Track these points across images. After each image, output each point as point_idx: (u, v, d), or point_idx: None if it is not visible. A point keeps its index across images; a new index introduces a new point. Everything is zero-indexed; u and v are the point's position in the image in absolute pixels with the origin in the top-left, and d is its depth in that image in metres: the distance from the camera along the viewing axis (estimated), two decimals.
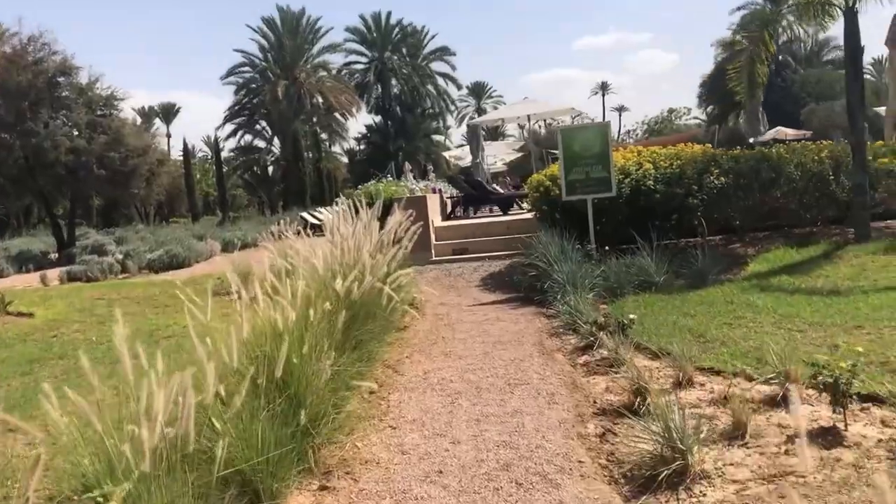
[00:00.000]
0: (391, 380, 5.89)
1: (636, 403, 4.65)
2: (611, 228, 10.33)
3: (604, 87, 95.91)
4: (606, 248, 10.30)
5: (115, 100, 24.35)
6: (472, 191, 15.88)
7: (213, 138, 46.23)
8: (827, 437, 3.98)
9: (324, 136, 48.00)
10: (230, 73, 45.13)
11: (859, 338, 5.78)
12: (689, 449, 3.69)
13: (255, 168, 45.17)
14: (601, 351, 6.24)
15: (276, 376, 3.61)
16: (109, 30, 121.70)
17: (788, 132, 50.43)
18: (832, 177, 10.71)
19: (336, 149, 53.35)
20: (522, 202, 17.69)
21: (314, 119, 45.40)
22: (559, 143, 10.01)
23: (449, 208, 16.91)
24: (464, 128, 77.49)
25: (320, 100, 45.53)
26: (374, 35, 51.44)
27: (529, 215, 14.12)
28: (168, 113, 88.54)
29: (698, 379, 5.18)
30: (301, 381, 3.99)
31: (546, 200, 10.78)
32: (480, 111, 77.00)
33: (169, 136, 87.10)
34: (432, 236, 12.81)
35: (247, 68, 45.47)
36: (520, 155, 42.17)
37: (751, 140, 52.89)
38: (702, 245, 10.70)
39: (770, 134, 50.91)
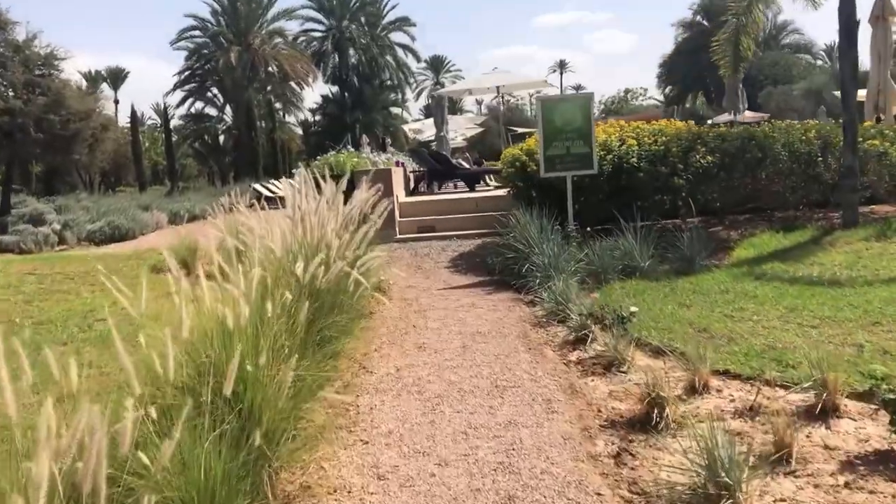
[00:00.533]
0: (359, 379, 5.12)
1: (652, 415, 3.98)
2: (589, 207, 9.67)
3: (562, 66, 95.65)
4: (586, 228, 9.65)
5: (56, 59, 22.75)
6: (438, 165, 15.09)
7: (162, 105, 44.38)
8: (888, 464, 3.35)
9: (278, 105, 46.48)
10: (180, 37, 43.21)
11: (879, 336, 5.22)
12: (737, 483, 3.01)
13: (205, 137, 43.49)
14: (595, 346, 5.57)
15: (226, 392, 2.81)
16: None
17: (746, 114, 50.83)
18: (820, 158, 10.20)
19: (291, 119, 51.87)
20: (489, 178, 16.99)
21: (268, 88, 43.85)
22: (538, 115, 9.28)
23: (412, 183, 16.09)
24: (422, 101, 76.42)
25: (275, 68, 43.94)
26: (333, 2, 49.80)
27: (499, 192, 13.40)
28: (116, 78, 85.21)
29: (713, 383, 4.52)
30: (256, 394, 3.20)
31: (522, 176, 10.06)
32: (439, 85, 75.88)
33: (117, 102, 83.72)
34: (397, 213, 12.01)
35: (198, 33, 43.63)
36: (479, 131, 41.46)
37: (709, 122, 53.29)
38: (686, 227, 10.14)
39: (726, 116, 51.26)
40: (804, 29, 61.34)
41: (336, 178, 7.81)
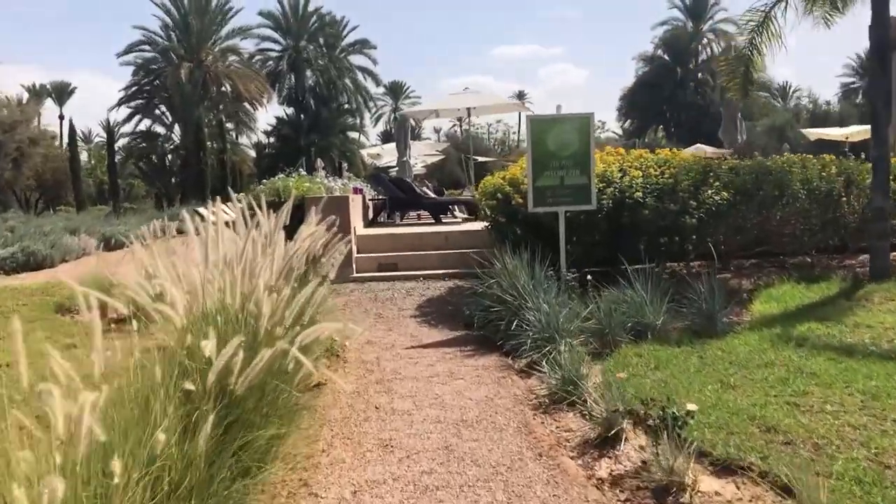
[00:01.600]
0: None
1: None
2: (584, 249, 8.18)
3: (520, 97, 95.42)
4: (576, 273, 8.15)
5: None
6: (401, 193, 13.51)
7: (107, 122, 42.08)
8: None
9: (230, 125, 44.51)
10: (128, 50, 41.05)
11: None
12: None
13: (152, 156, 41.25)
14: (628, 451, 4.02)
15: None
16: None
17: (707, 150, 50.37)
18: (844, 198, 8.91)
19: (245, 141, 49.90)
20: (456, 210, 15.47)
21: (220, 107, 41.90)
22: (527, 137, 7.77)
23: (371, 213, 14.47)
24: (381, 127, 75.01)
25: (228, 87, 42.09)
26: (290, 21, 48.21)
27: (470, 226, 11.86)
28: (62, 93, 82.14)
29: None
30: None
31: (504, 210, 8.54)
32: (397, 111, 74.63)
33: (62, 117, 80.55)
34: (354, 248, 10.37)
35: (147, 47, 41.56)
36: (439, 158, 40.08)
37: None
38: (691, 273, 8.76)
39: (689, 151, 50.83)
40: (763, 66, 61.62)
41: (279, 206, 6.22)
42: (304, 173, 11.75)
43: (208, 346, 2.98)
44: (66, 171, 39.77)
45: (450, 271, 10.02)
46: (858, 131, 31.86)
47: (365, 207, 13.64)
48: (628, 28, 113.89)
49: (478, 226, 11.03)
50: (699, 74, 58.95)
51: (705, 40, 59.96)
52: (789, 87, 69.43)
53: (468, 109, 14.78)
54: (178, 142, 40.68)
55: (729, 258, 9.62)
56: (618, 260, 8.79)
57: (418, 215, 15.60)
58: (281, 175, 11.24)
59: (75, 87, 79.59)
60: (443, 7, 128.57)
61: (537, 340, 6.02)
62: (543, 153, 7.72)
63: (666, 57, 59.39)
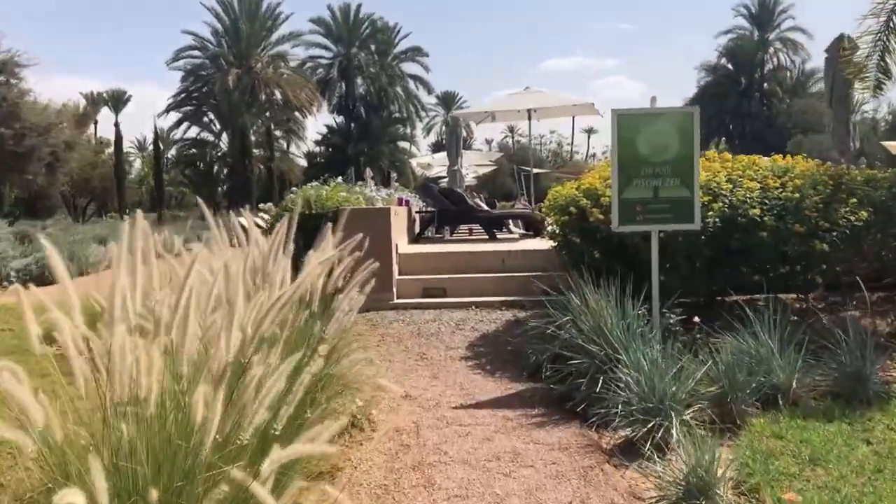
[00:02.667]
0: None
1: None
2: (679, 279, 6.47)
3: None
4: (667, 310, 6.45)
5: (17, 66, 19.88)
6: (451, 205, 11.96)
7: (154, 128, 41.60)
8: None
9: (278, 133, 43.68)
10: (177, 56, 40.57)
11: None
12: None
13: (199, 164, 40.62)
14: None
15: None
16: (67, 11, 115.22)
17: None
18: None
19: (296, 151, 49.10)
20: (510, 224, 13.85)
21: (268, 114, 41.07)
22: (612, 135, 6.10)
23: (418, 227, 12.95)
24: (432, 137, 73.74)
25: (277, 94, 41.27)
26: (341, 28, 47.33)
27: (532, 245, 10.23)
28: (118, 101, 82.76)
29: None
30: None
31: (580, 228, 6.89)
32: (450, 116, 73.37)
33: (118, 124, 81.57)
34: (395, 268, 8.82)
35: (196, 52, 41.00)
36: (491, 169, 38.53)
37: None
38: (812, 310, 7.04)
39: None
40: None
41: (310, 219, 4.76)
42: (342, 182, 10.27)
43: None
44: (112, 177, 39.41)
45: (508, 299, 8.41)
46: None
47: (411, 221, 12.12)
48: (686, 40, 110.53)
49: (541, 245, 9.40)
50: (765, 84, 56.34)
51: (772, 50, 57.38)
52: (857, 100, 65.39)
53: (529, 112, 13.14)
54: (226, 149, 39.90)
55: (851, 290, 7.80)
56: (716, 293, 7.13)
57: (469, 230, 14.03)
58: (315, 183, 9.76)
59: (131, 96, 79.87)
60: (493, 18, 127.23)
61: (635, 411, 4.37)
62: (633, 157, 6.05)
63: (730, 66, 56.95)
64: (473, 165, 29.36)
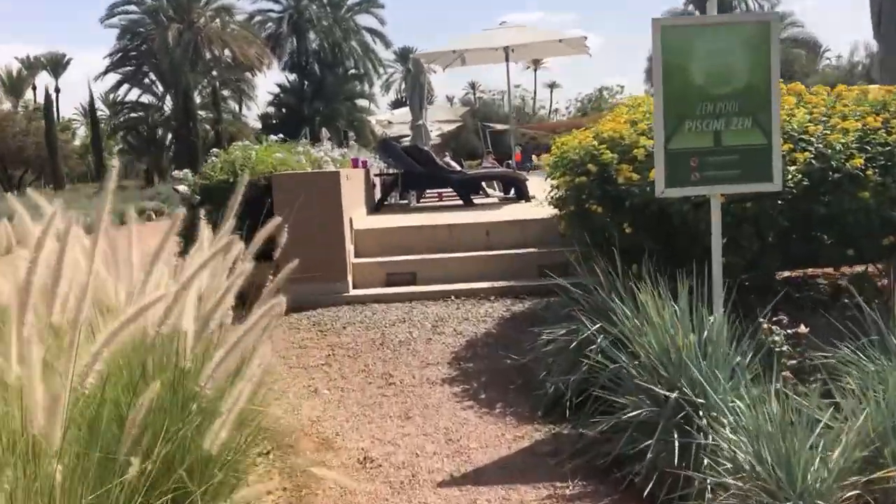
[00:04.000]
0: None
1: None
2: (740, 260, 4.62)
3: (536, 63, 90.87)
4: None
5: None
6: (417, 166, 9.96)
7: (89, 92, 38.51)
8: None
9: (227, 93, 40.93)
10: (112, 12, 37.35)
11: None
12: None
13: (140, 129, 37.76)
14: None
15: None
16: None
17: None
18: None
19: (249, 113, 46.31)
20: (487, 187, 11.91)
21: (214, 73, 38.25)
22: (654, 57, 4.18)
23: (378, 193, 10.96)
24: (391, 96, 70.84)
25: (224, 52, 38.45)
26: None
27: (518, 212, 8.33)
28: (57, 65, 78.36)
29: None
30: None
31: (601, 193, 4.95)
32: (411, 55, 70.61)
33: (58, 90, 77.18)
34: (349, 249, 6.84)
35: (133, 7, 37.83)
36: (456, 126, 36.40)
37: None
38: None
39: None
40: (804, 23, 57.17)
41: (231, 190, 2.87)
42: (277, 140, 8.20)
43: None
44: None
45: (497, 285, 6.54)
46: None
47: (370, 186, 10.11)
48: None
49: (533, 212, 7.50)
50: None
51: None
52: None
53: (506, 51, 11.02)
54: (170, 113, 37.13)
55: None
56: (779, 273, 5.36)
57: (439, 195, 12.05)
58: (244, 142, 7.69)
59: (71, 59, 75.88)
60: None
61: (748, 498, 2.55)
62: (684, 89, 4.11)
63: (697, 12, 55.02)
64: (437, 122, 27.18)
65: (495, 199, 11.06)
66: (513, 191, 11.17)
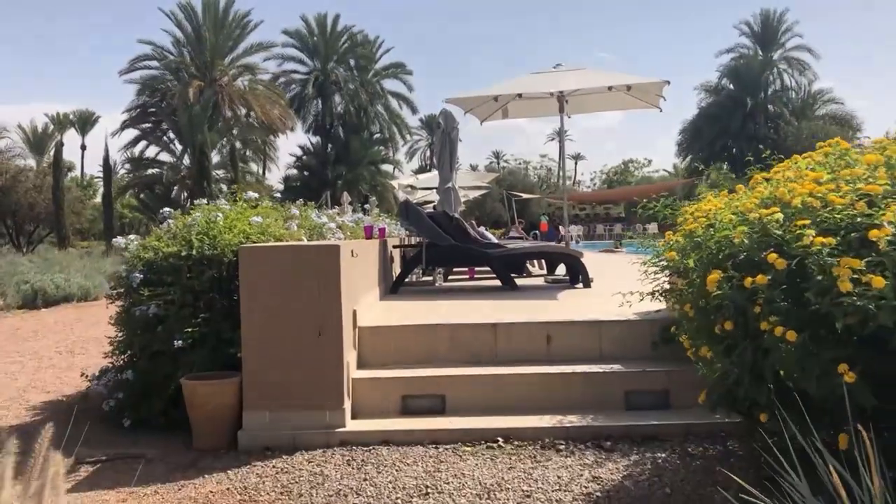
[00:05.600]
0: None
1: None
2: None
3: (560, 134, 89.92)
4: None
5: None
6: (445, 236, 7.85)
7: (105, 147, 37.26)
8: None
9: (247, 153, 39.54)
10: (132, 66, 36.33)
11: None
12: None
13: (156, 187, 36.31)
14: None
15: None
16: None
17: None
18: None
19: (272, 174, 44.98)
20: (533, 265, 9.77)
21: (234, 132, 36.94)
22: None
23: (397, 268, 8.85)
24: (415, 164, 69.64)
25: (245, 110, 37.21)
26: (317, 41, 43.41)
27: (587, 302, 6.12)
28: (85, 122, 78.66)
29: None
30: None
31: (797, 314, 2.75)
32: (434, 148, 69.52)
33: (83, 147, 77.07)
34: (348, 357, 4.64)
35: (154, 63, 36.82)
36: (479, 194, 34.54)
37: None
38: None
39: None
40: (842, 98, 55.39)
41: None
42: (326, 208, 6.11)
43: None
44: (72, 205, 35.02)
45: (569, 423, 4.34)
46: None
47: (386, 260, 7.99)
48: (664, 72, 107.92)
49: (610, 308, 5.35)
50: (770, 106, 52.89)
51: (776, 70, 54.04)
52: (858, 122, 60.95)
53: (560, 100, 8.82)
54: (186, 172, 35.67)
55: None
56: None
57: (470, 271, 9.90)
58: (220, 202, 5.59)
59: (99, 117, 75.98)
60: (474, 42, 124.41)
61: None
62: None
63: (732, 86, 53.50)
64: (462, 188, 25.25)
65: (541, 281, 8.87)
66: (559, 269, 9.02)
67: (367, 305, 5.81)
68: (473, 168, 71.13)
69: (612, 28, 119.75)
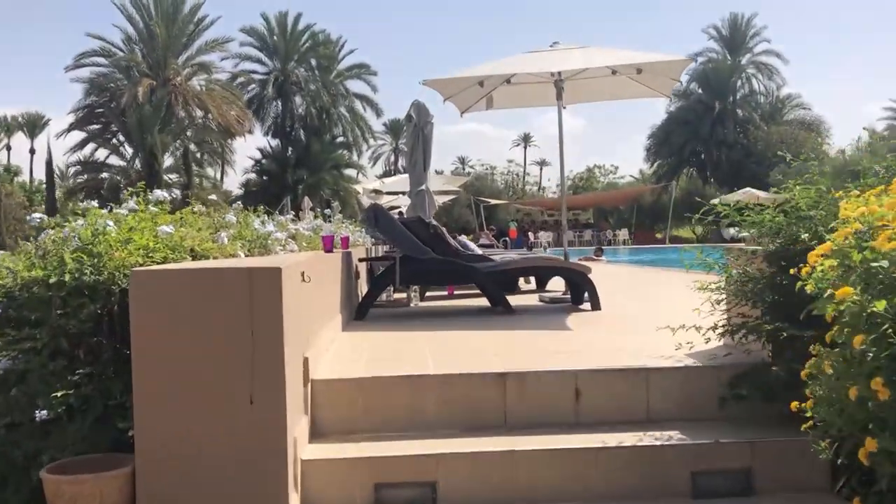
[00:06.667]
0: None
1: None
2: None
3: (526, 140, 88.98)
4: None
5: None
6: (424, 247, 6.42)
7: (48, 151, 35.03)
8: None
9: (204, 156, 37.68)
10: (78, 63, 34.21)
11: None
12: None
13: (101, 192, 34.22)
14: None
15: None
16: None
17: (760, 195, 43.46)
18: None
19: (234, 181, 43.09)
20: (526, 280, 8.40)
21: (189, 133, 35.06)
22: None
23: (364, 285, 7.40)
24: (378, 168, 67.87)
25: (201, 112, 35.38)
26: (277, 40, 41.64)
27: (617, 338, 4.69)
28: (34, 126, 75.47)
29: None
30: None
31: None
32: (398, 153, 68.03)
33: (33, 151, 73.91)
34: (294, 430, 3.17)
35: (101, 59, 34.76)
36: (447, 199, 33.18)
37: (715, 201, 45.74)
38: None
39: (738, 195, 43.84)
40: (810, 103, 55.14)
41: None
42: (282, 215, 4.65)
43: None
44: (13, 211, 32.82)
45: None
46: None
47: (349, 277, 6.52)
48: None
49: (655, 344, 3.98)
50: (739, 111, 52.34)
51: (744, 75, 53.62)
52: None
53: (557, 85, 6.98)
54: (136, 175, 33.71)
55: None
56: None
57: (449, 290, 8.46)
58: (96, 205, 4.04)
59: (49, 119, 73.04)
60: (439, 45, 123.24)
61: None
62: None
63: (700, 91, 52.87)
64: (435, 191, 23.78)
65: (535, 300, 7.47)
66: (552, 283, 7.65)
67: (325, 342, 4.36)
68: (439, 173, 69.70)
69: (579, 30, 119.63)
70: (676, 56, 6.67)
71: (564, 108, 7.72)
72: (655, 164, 56.96)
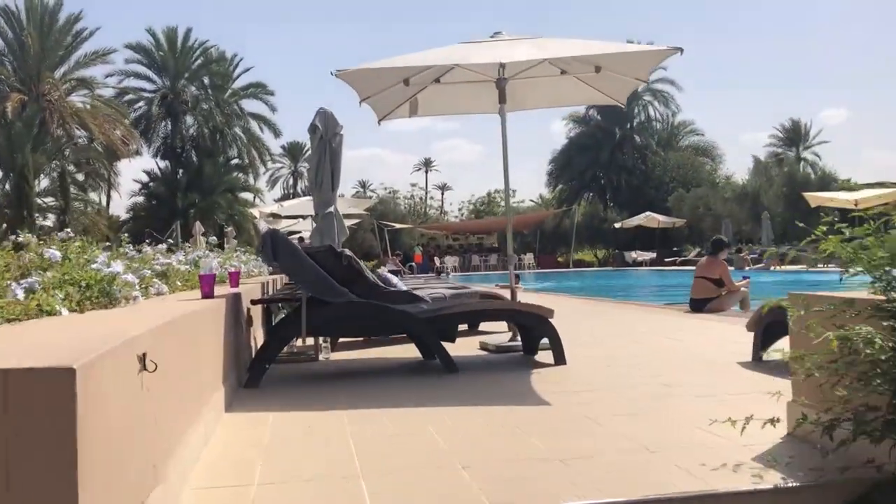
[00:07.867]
0: None
1: None
2: None
3: (427, 164, 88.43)
4: None
5: None
6: (336, 284, 4.94)
7: None
8: None
9: (83, 178, 34.67)
10: None
11: None
12: None
13: None
14: None
15: None
16: None
17: (660, 218, 43.89)
18: None
19: (121, 206, 39.90)
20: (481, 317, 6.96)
21: (67, 152, 32.11)
22: None
23: (259, 334, 5.81)
24: (277, 192, 65.40)
25: (78, 129, 32.50)
26: (166, 56, 39.07)
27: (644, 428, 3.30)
28: None
29: None
30: None
31: None
32: (297, 176, 65.81)
33: None
34: None
35: None
36: (351, 223, 31.61)
37: (617, 225, 45.77)
38: None
39: (638, 219, 44.09)
40: (703, 129, 56.57)
41: None
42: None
43: None
44: None
45: None
46: (871, 196, 25.91)
47: (237, 327, 4.92)
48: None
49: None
50: (636, 137, 53.06)
51: (641, 102, 54.47)
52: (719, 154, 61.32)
53: (499, 84, 5.76)
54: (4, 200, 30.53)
55: None
56: None
57: (365, 339, 6.92)
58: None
59: None
60: (347, 61, 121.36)
61: None
62: None
63: (599, 117, 53.31)
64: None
65: (475, 347, 6.06)
66: (487, 324, 6.27)
67: (195, 445, 2.80)
68: (340, 196, 67.67)
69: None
70: (663, 46, 5.35)
71: (501, 116, 6.37)
72: (557, 189, 57.05)
